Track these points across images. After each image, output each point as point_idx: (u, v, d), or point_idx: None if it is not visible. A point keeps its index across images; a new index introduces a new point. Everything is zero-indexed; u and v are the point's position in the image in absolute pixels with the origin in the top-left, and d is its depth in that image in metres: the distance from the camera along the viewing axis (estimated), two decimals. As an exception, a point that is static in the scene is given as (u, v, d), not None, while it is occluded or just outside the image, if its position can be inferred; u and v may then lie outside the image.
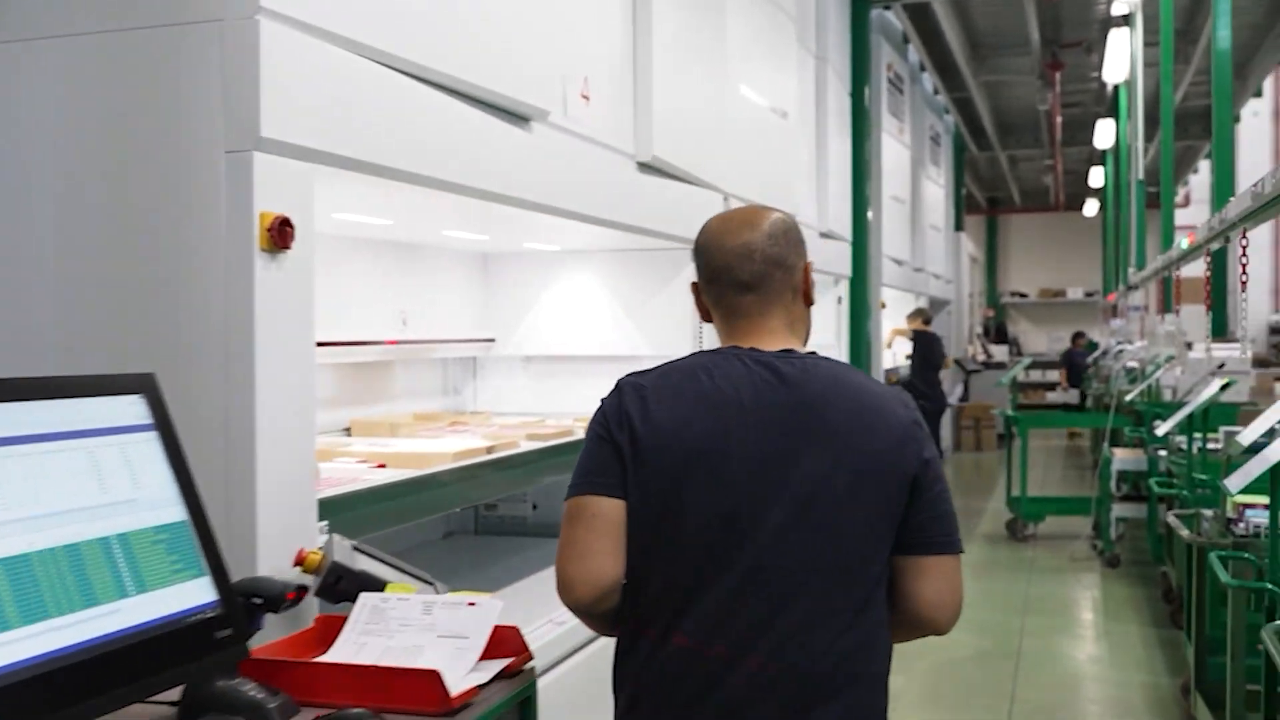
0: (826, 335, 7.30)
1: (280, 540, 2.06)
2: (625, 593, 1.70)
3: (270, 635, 1.90)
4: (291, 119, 2.09)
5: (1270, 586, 2.89)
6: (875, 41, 8.71)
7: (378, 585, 2.05)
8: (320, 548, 2.07)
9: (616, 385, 1.79)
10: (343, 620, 1.91)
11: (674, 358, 1.82)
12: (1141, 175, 9.80)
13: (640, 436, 1.69)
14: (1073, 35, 11.00)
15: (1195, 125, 14.54)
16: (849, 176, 7.53)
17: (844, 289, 7.44)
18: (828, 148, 6.97)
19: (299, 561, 2.04)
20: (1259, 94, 12.66)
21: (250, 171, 2.01)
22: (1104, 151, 15.35)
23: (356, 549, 2.11)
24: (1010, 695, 4.95)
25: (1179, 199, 22.23)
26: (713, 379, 1.71)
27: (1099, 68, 11.64)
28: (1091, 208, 22.02)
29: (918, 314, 10.73)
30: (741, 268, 1.77)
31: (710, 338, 1.98)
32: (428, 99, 2.57)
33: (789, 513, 1.65)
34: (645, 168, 3.92)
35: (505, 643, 1.87)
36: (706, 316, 1.87)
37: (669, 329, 4.62)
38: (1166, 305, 17.07)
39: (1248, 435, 3.33)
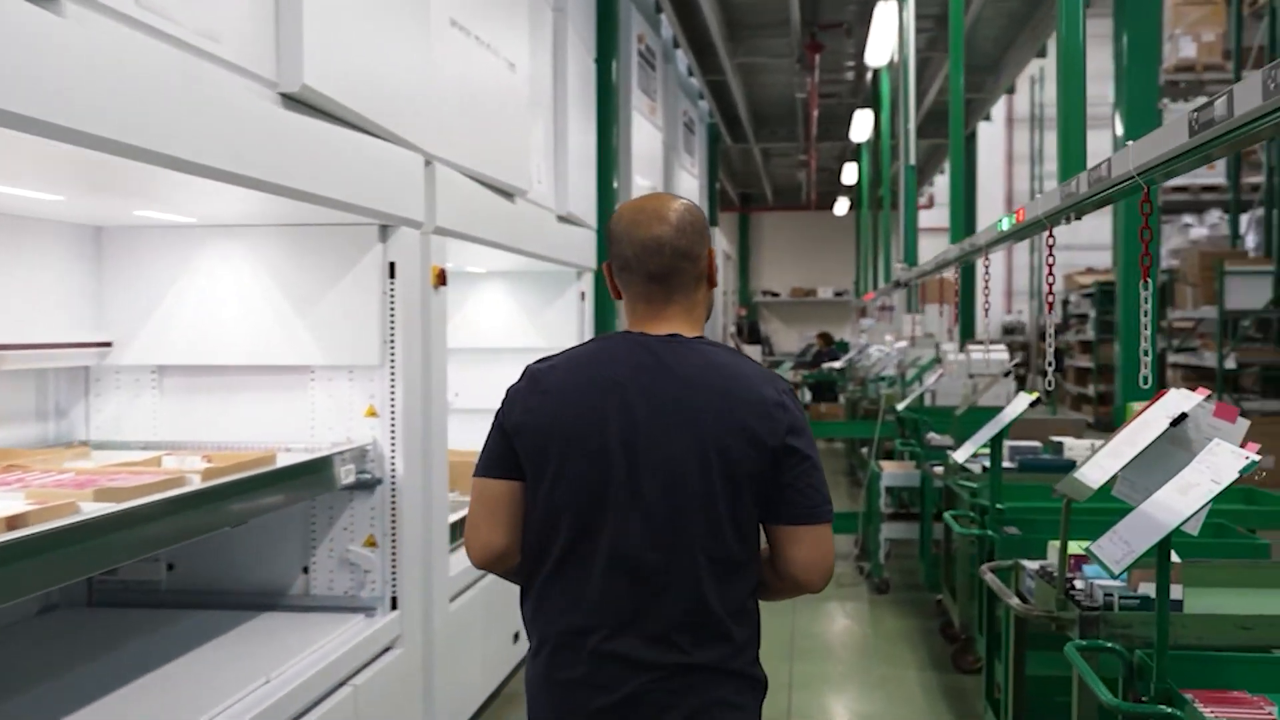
0: (567, 334, 6.38)
1: None
2: (526, 553, 1.95)
3: None
4: None
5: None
6: (625, 7, 7.86)
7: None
8: None
9: (523, 371, 1.98)
10: None
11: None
12: (913, 161, 9.37)
13: (525, 422, 1.91)
14: (832, 16, 10.53)
15: (945, 124, 14.54)
16: (594, 155, 6.63)
17: (588, 283, 6.53)
18: (567, 117, 6.03)
19: None
20: (1011, 90, 12.61)
21: None
22: (859, 146, 15.16)
23: None
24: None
25: (922, 200, 22.73)
26: (600, 364, 1.91)
27: (856, 55, 11.26)
28: (843, 206, 22.17)
29: None
30: (651, 261, 1.93)
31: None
32: None
33: (657, 488, 1.85)
34: (294, 103, 2.83)
35: None
36: (618, 295, 2.02)
37: (351, 332, 3.54)
38: (910, 305, 17.22)
39: (1092, 474, 2.59)
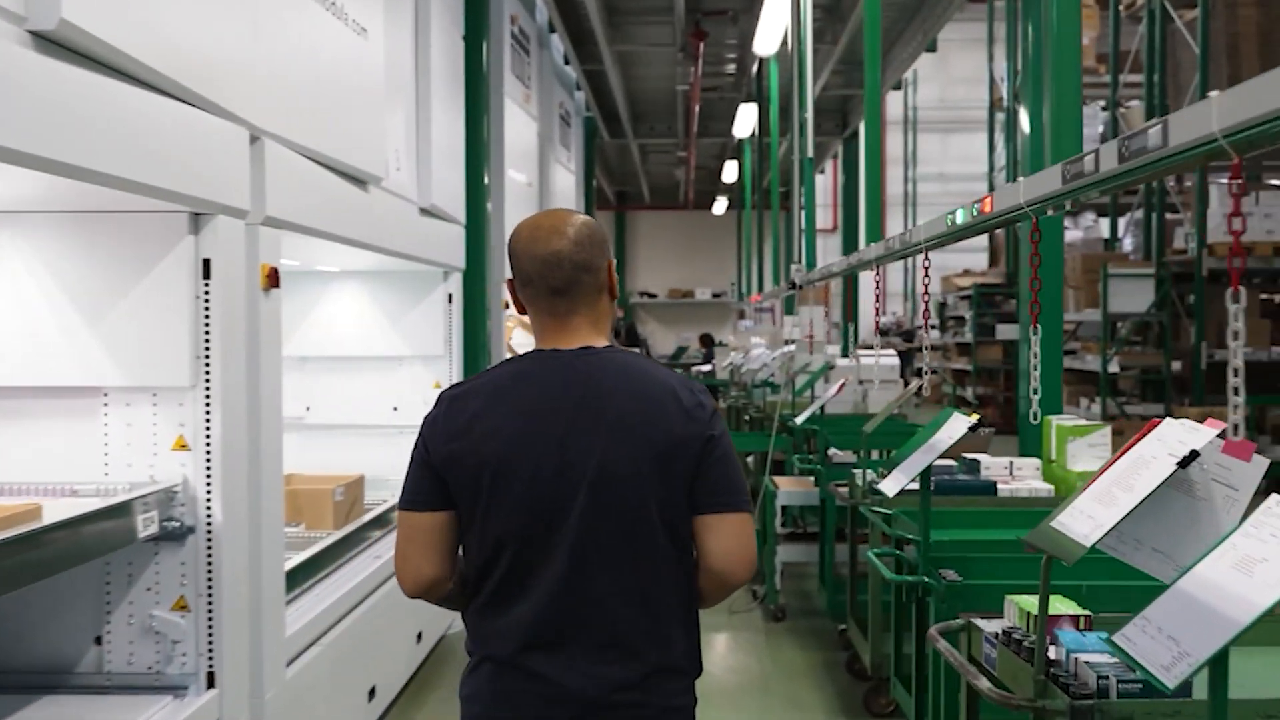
0: (434, 340, 5.73)
1: None
2: (468, 576, 1.98)
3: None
4: None
5: None
6: (496, -18, 7.23)
7: None
8: None
9: (438, 398, 2.00)
10: None
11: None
12: (811, 153, 8.91)
13: (451, 453, 1.91)
14: (717, 3, 10.04)
15: (830, 120, 14.25)
16: (463, 143, 5.99)
17: (456, 284, 5.89)
18: (431, 99, 5.38)
19: None
20: (898, 87, 12.32)
21: None
22: (740, 142, 14.75)
23: None
24: None
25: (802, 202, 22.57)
26: (519, 386, 1.95)
27: (740, 46, 10.81)
28: (721, 206, 21.85)
29: None
30: (551, 275, 1.95)
31: None
32: None
33: (593, 502, 1.89)
34: (53, 47, 2.15)
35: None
36: (522, 310, 2.04)
37: (154, 345, 2.86)
38: (788, 308, 16.92)
39: (1079, 526, 2.09)
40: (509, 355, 9.13)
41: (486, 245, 6.48)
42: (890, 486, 3.19)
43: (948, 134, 24.79)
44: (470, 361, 6.26)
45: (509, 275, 2.03)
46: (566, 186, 11.51)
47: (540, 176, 9.58)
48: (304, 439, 5.81)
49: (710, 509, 1.94)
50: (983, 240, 21.30)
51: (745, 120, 12.02)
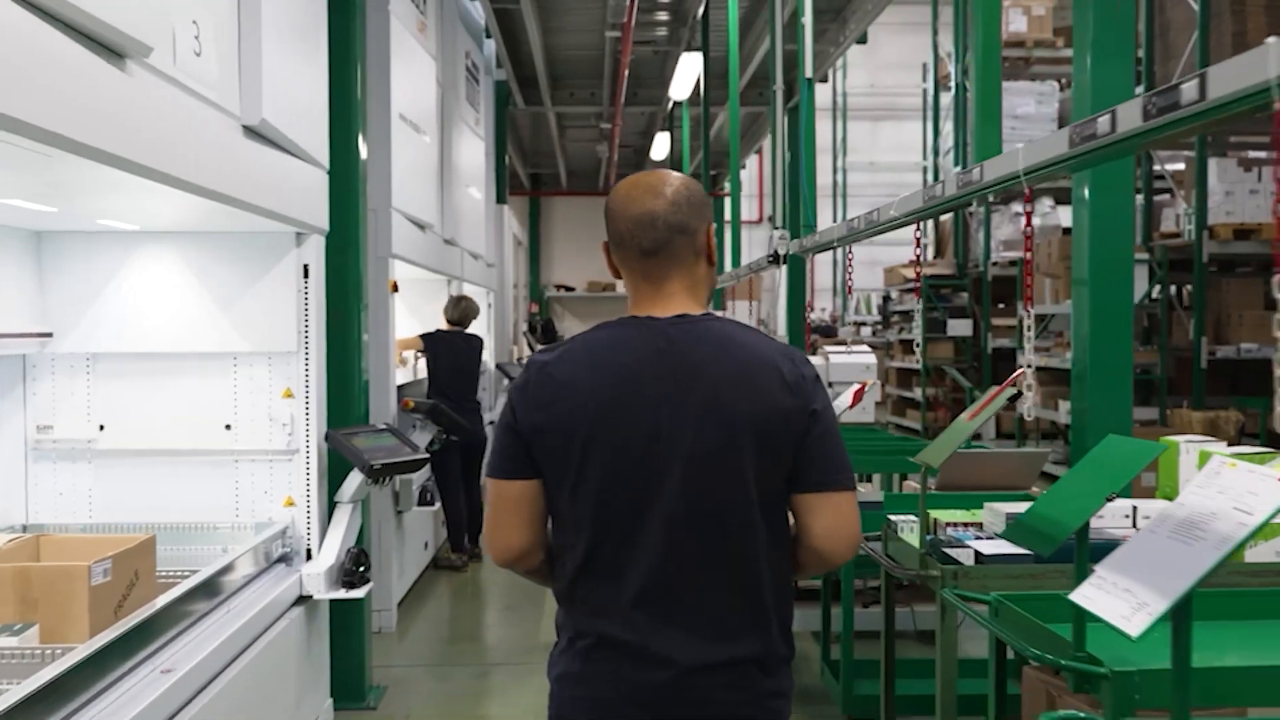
0: (283, 330, 4.09)
1: None
2: (558, 552, 1.95)
3: None
4: None
5: None
6: None
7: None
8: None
9: (526, 364, 1.96)
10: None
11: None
12: (811, 72, 7.33)
13: (541, 423, 1.87)
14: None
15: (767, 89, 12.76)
16: (322, 49, 4.29)
17: (316, 252, 4.23)
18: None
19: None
20: (864, 40, 10.87)
21: None
22: (677, 106, 13.11)
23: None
24: None
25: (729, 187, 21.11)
26: (611, 352, 1.89)
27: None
28: (645, 191, 20.31)
29: (463, 306, 7.69)
30: (644, 236, 1.92)
31: None
32: None
33: (687, 478, 1.84)
34: None
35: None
36: (617, 275, 2.03)
37: None
38: (716, 303, 15.48)
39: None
40: (401, 364, 7.65)
41: (361, 202, 4.81)
42: (1136, 624, 1.67)
43: (878, 121, 23.59)
44: (338, 361, 4.61)
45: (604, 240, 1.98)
46: (474, 156, 9.85)
47: (442, 131, 7.92)
48: (95, 472, 4.13)
49: (813, 487, 1.89)
50: (918, 230, 20.17)
51: (686, 75, 10.40)
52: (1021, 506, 3.35)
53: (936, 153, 17.63)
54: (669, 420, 1.84)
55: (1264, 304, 10.45)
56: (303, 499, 4.23)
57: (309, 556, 4.21)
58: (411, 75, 6.45)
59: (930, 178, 18.12)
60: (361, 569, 4.19)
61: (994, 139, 6.10)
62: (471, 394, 7.27)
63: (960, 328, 16.03)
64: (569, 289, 21.95)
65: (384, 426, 4.50)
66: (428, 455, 4.51)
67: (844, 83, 21.29)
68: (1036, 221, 15.96)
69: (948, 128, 16.69)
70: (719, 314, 1.97)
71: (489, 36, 10.32)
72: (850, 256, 8.62)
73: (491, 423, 7.84)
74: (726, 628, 1.85)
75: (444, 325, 7.61)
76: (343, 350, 4.69)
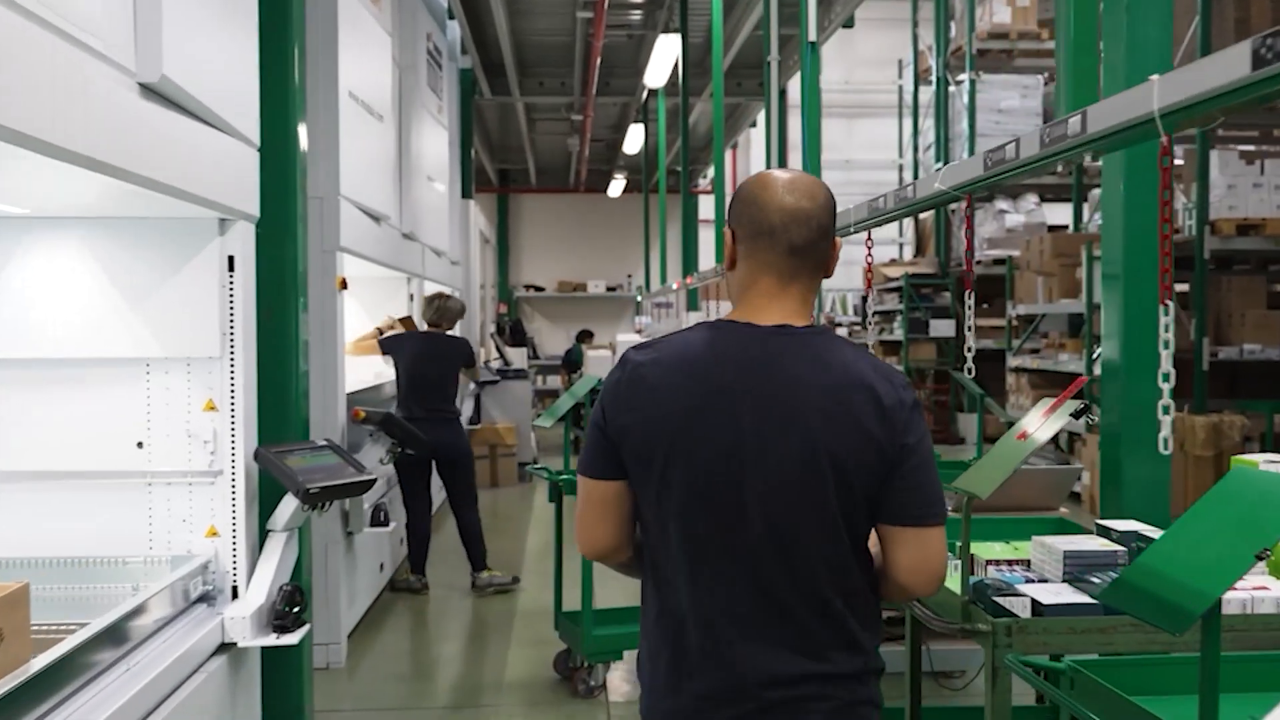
0: (204, 332, 3.52)
1: None
2: (641, 556, 1.95)
3: None
4: None
5: None
6: None
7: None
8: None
9: (620, 361, 1.93)
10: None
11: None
12: (814, 35, 6.74)
13: (629, 426, 1.85)
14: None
15: (753, 77, 12.24)
16: (249, 8, 3.71)
17: (243, 241, 3.65)
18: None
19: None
20: (850, 24, 10.35)
21: None
22: (652, 95, 12.54)
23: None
24: None
25: (704, 183, 20.59)
26: (705, 359, 1.83)
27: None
28: (617, 187, 19.75)
29: (437, 305, 7.02)
30: (796, 231, 1.85)
31: None
32: None
33: (767, 498, 1.78)
34: None
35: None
36: (732, 265, 1.94)
37: None
38: (692, 303, 14.93)
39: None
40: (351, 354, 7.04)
41: (300, 185, 4.23)
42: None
43: (854, 119, 23.10)
44: (272, 367, 4.03)
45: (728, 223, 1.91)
46: (437, 146, 9.28)
47: (400, 116, 7.35)
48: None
49: (900, 520, 1.81)
50: (896, 227, 19.74)
51: (663, 60, 9.83)
52: (1081, 541, 2.83)
53: (916, 149, 17.17)
54: (753, 438, 1.78)
55: (1267, 303, 10.04)
56: (228, 528, 3.65)
57: (235, 595, 3.64)
58: (363, 50, 5.88)
59: (909, 175, 17.67)
60: (295, 609, 3.61)
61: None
62: (442, 403, 6.63)
63: (942, 328, 15.59)
64: (539, 289, 21.36)
65: (325, 443, 3.93)
66: (374, 477, 3.93)
67: (820, 78, 20.85)
68: (1020, 219, 15.56)
69: (928, 124, 16.27)
70: (826, 327, 1.87)
71: (452, 18, 9.73)
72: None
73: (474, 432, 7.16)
74: (813, 647, 1.81)
75: (424, 326, 7.03)
76: (278, 355, 4.11)
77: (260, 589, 3.62)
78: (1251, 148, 10.20)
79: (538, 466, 5.26)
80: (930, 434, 1.86)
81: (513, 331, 17.97)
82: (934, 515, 1.80)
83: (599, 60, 10.43)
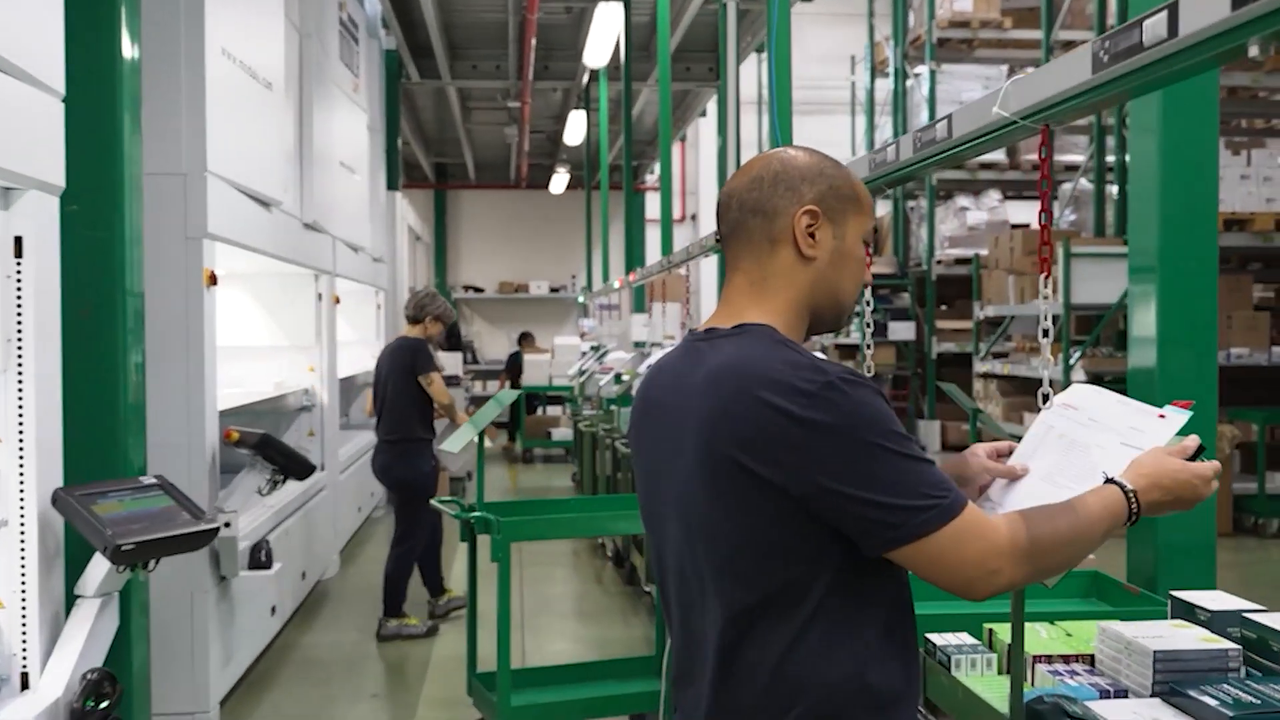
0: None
1: None
2: None
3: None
4: None
5: None
6: None
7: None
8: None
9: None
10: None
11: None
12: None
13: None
14: None
15: (702, 62, 11.45)
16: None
17: (34, 218, 2.78)
18: None
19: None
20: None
21: None
22: (594, 76, 11.67)
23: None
24: None
25: (650, 180, 19.79)
26: (652, 377, 1.69)
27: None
28: (560, 182, 18.90)
29: (426, 305, 6.22)
30: (723, 218, 1.66)
31: None
32: None
33: (674, 525, 1.59)
34: None
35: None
36: None
37: None
38: (638, 304, 14.12)
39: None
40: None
41: (124, 151, 3.34)
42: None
43: (805, 116, 22.38)
44: (86, 381, 3.14)
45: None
46: (353, 129, 8.41)
47: (303, 95, 6.48)
48: None
49: (875, 546, 1.44)
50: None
51: (603, 34, 8.96)
52: (1168, 635, 2.04)
53: (871, 145, 16.49)
54: (665, 464, 1.59)
55: (1254, 304, 9.41)
56: (13, 595, 2.78)
57: (24, 684, 2.77)
58: (244, 2, 5.00)
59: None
60: (103, 704, 2.75)
61: None
62: (394, 427, 5.81)
63: (902, 331, 14.92)
64: (478, 290, 20.44)
65: (154, 480, 3.06)
66: (215, 525, 3.06)
67: (769, 73, 20.17)
68: (983, 216, 14.92)
69: (884, 119, 15.64)
70: (755, 325, 1.56)
71: (371, -10, 8.85)
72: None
73: (436, 463, 6.25)
74: (721, 701, 1.52)
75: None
76: (98, 366, 3.23)
77: (57, 678, 2.76)
78: (1240, 139, 9.56)
79: (448, 499, 4.40)
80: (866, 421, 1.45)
81: (449, 335, 17.04)
82: (918, 525, 1.43)
83: (534, 40, 9.58)
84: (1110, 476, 1.56)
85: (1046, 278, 2.10)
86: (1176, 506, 1.56)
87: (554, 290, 20.07)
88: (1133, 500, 1.52)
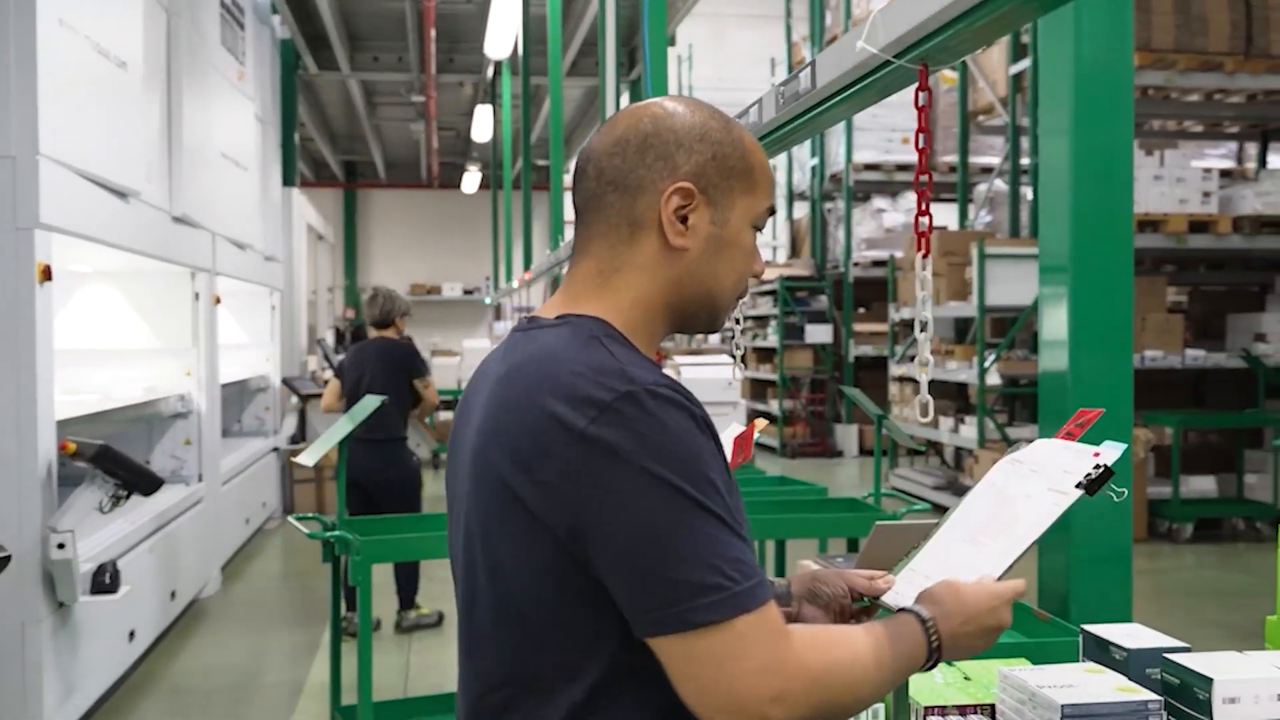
0: None
1: None
2: None
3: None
4: None
5: None
6: None
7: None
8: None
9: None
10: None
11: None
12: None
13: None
14: None
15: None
16: None
17: None
18: None
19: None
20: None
21: None
22: (498, 68, 11.31)
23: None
24: None
25: (567, 179, 19.47)
26: (478, 372, 1.35)
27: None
28: (472, 182, 18.48)
29: (374, 302, 6.16)
30: (576, 186, 1.33)
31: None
32: None
33: (465, 553, 1.27)
34: None
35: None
36: None
37: None
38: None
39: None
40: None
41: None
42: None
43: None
44: None
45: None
46: (238, 120, 7.97)
47: (170, 79, 6.05)
48: None
49: (642, 629, 1.11)
50: (770, 229, 18.88)
51: (504, 22, 8.60)
52: (1076, 679, 1.76)
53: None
54: (457, 482, 1.31)
55: (1168, 307, 9.34)
56: None
57: None
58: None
59: (786, 176, 16.85)
60: None
61: None
62: (378, 425, 5.47)
63: (819, 334, 14.77)
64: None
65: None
66: (6, 554, 2.68)
67: (690, 75, 19.96)
68: (900, 218, 14.82)
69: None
70: (582, 317, 1.24)
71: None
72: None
73: (416, 459, 6.14)
74: None
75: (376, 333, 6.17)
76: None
77: None
78: (1154, 139, 9.49)
79: (308, 515, 4.02)
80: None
81: (354, 338, 16.54)
82: (678, 618, 1.09)
83: (434, 30, 9.20)
84: (910, 605, 1.32)
85: (925, 256, 1.79)
86: (977, 638, 1.30)
87: (468, 292, 19.66)
88: (931, 630, 1.26)
